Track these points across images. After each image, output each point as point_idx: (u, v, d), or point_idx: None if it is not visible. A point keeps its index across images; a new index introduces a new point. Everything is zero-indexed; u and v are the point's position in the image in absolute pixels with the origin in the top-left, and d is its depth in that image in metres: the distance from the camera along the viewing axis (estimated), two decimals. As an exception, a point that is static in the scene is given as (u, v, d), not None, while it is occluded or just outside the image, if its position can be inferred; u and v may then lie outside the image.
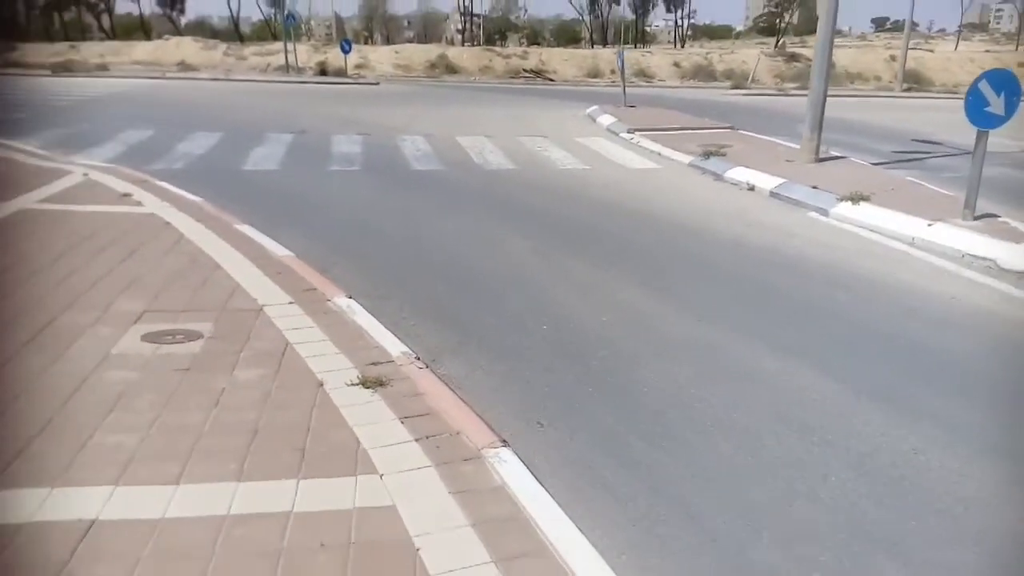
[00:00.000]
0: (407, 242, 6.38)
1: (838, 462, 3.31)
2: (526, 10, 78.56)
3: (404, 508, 2.79)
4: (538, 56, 34.86)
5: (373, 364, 3.93)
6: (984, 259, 6.01)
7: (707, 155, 10.03)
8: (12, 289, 4.74)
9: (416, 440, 3.26)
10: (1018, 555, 2.83)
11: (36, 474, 2.87)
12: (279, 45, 26.75)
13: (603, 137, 12.67)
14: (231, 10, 56.26)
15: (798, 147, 10.03)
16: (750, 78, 28.11)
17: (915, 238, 6.58)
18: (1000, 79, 6.29)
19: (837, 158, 10.00)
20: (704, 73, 34.08)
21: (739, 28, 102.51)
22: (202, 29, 57.45)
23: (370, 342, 4.24)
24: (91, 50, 28.44)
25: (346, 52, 24.07)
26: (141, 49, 29.98)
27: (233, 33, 50.80)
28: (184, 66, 24.77)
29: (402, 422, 3.40)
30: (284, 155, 10.15)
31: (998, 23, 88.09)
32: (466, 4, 61.59)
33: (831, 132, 13.53)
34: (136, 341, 4.09)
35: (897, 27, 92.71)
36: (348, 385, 3.71)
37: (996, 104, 6.31)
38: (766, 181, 8.57)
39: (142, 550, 2.49)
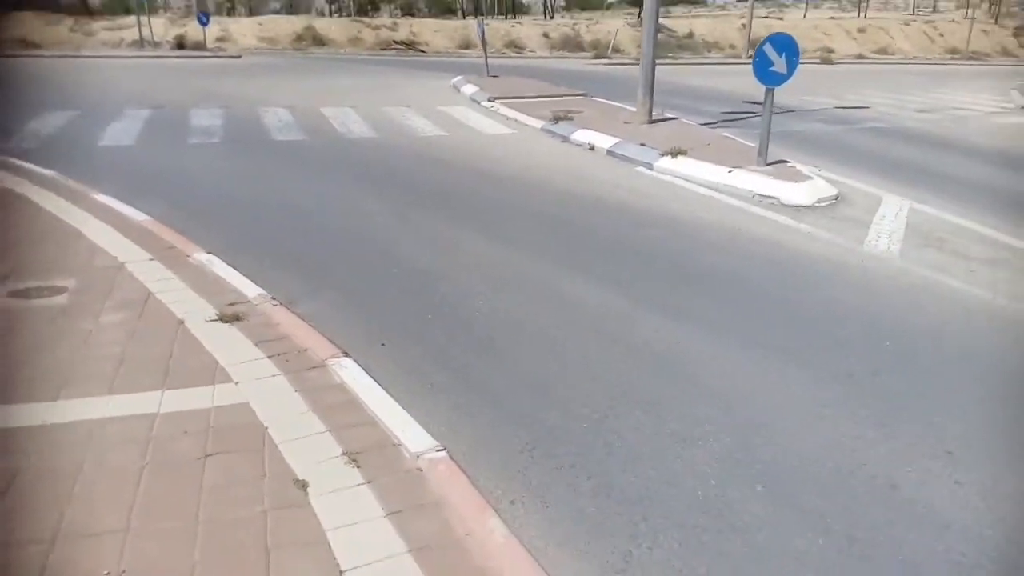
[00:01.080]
0: (266, 207, 6.87)
1: (619, 351, 4.23)
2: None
3: (256, 404, 3.45)
4: (409, 27, 34.91)
5: (231, 304, 4.50)
6: (769, 197, 7.20)
7: (556, 120, 10.93)
8: None
9: (268, 357, 3.90)
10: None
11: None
12: (132, 19, 25.65)
13: (465, 106, 13.36)
14: (75, -20, 52.47)
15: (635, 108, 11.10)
16: (610, 48, 29.48)
17: (718, 184, 7.71)
18: (782, 42, 7.45)
19: (669, 119, 11.15)
20: (572, 44, 35.22)
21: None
22: (44, 2, 53.31)
23: (228, 287, 4.80)
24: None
25: (204, 24, 23.49)
26: (-26, 24, 27.82)
27: (79, 6, 47.60)
28: (26, 43, 23.39)
29: (256, 345, 4.02)
30: (141, 130, 10.24)
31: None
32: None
33: (676, 97, 14.85)
34: (3, 298, 4.48)
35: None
36: (207, 321, 4.28)
37: (779, 64, 7.47)
38: (604, 141, 9.55)
39: (20, 449, 3.03)
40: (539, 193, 7.64)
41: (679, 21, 43.39)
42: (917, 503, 3.08)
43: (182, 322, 4.26)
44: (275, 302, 4.61)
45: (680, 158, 8.41)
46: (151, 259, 5.21)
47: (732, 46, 37.98)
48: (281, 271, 5.27)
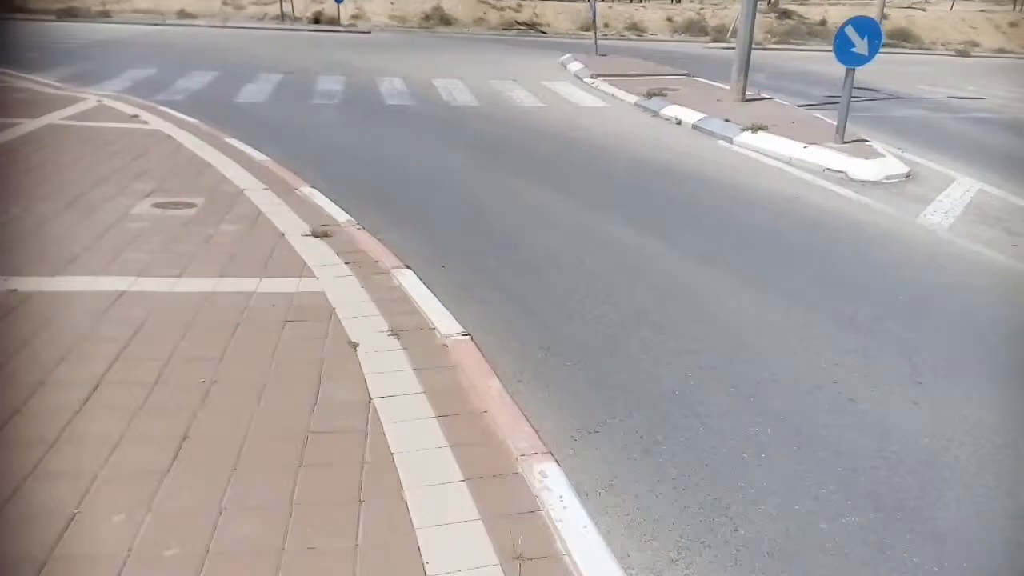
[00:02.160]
0: (366, 157, 7.82)
1: (644, 285, 4.83)
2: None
3: (329, 292, 4.31)
4: (532, 8, 35.65)
5: (323, 225, 5.42)
6: (838, 172, 7.46)
7: (650, 96, 11.38)
8: (49, 176, 6.23)
9: (345, 263, 4.77)
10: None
11: (82, 271, 4.40)
12: (277, -6, 27.79)
13: (568, 82, 13.97)
14: (230, -41, 56.67)
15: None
16: (729, 32, 29.05)
17: (792, 158, 8.01)
18: (864, 25, 7.64)
19: (763, 99, 11.34)
20: (695, 28, 34.90)
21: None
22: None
23: (323, 214, 5.73)
24: (91, -3, 29.39)
25: (339, 2, 25.16)
26: (141, -3, 30.95)
27: (232, -17, 51.46)
28: (183, 14, 25.88)
29: (337, 254, 4.91)
30: (272, 91, 11.52)
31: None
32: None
33: (787, 80, 14.86)
34: (148, 207, 5.60)
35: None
36: (302, 236, 5.21)
37: (861, 46, 7.67)
38: (691, 116, 9.95)
39: (155, 305, 4.02)
40: (613, 158, 8.20)
41: (814, 8, 41.87)
42: (870, 414, 3.54)
43: (283, 234, 5.21)
44: (359, 227, 5.49)
45: (760, 133, 8.73)
46: (265, 188, 6.23)
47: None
48: (370, 206, 6.14)
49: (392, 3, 35.63)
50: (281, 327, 3.86)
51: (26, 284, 4.14)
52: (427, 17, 33.14)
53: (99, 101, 9.53)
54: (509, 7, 37.17)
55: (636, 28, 34.28)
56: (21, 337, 3.57)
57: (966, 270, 5.34)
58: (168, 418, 3.01)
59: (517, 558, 2.40)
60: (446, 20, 33.27)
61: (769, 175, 7.68)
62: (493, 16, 34.63)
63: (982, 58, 26.92)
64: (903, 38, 34.85)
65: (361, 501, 2.62)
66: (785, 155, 8.13)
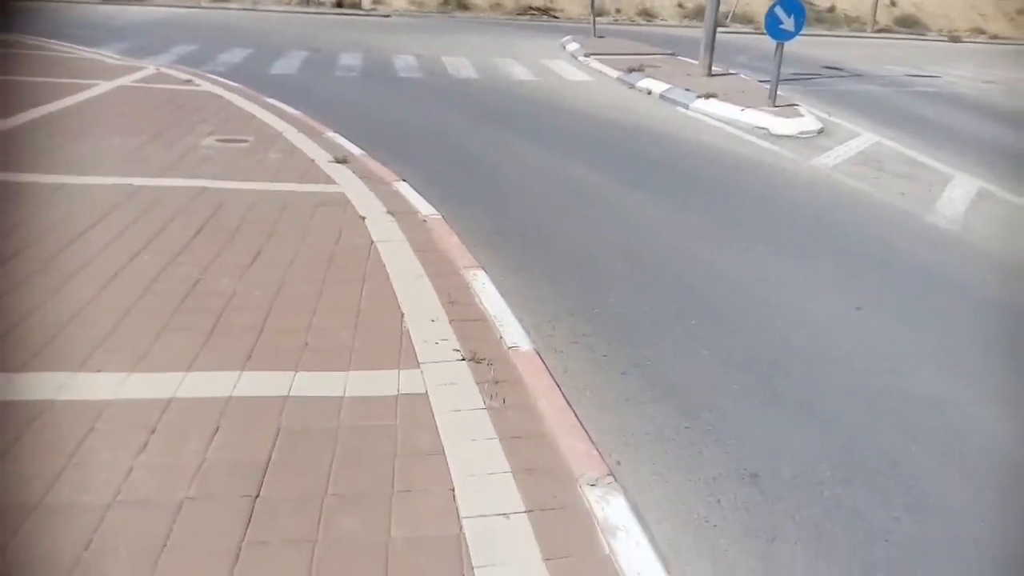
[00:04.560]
0: (379, 115, 9.73)
1: (598, 210, 6.69)
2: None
3: (346, 192, 6.22)
4: (547, -6, 37.28)
5: (343, 156, 7.33)
6: (762, 128, 9.26)
7: (630, 71, 13.18)
8: (133, 120, 8.19)
9: (359, 177, 6.67)
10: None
11: (175, 175, 6.35)
12: (301, -20, 29.80)
13: (564, 60, 15.78)
14: (255, -55, 59.00)
15: (717, 68, 13.11)
16: (728, 17, 30.55)
17: (731, 119, 9.81)
18: (790, 4, 9.39)
19: (729, 74, 13.09)
20: (702, 14, 36.37)
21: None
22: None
23: (343, 149, 7.64)
24: (128, -18, 31.47)
25: (362, -13, 27.08)
26: (173, -18, 33.09)
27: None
28: (214, -2, 27.95)
29: (353, 173, 6.81)
30: (300, 65, 13.47)
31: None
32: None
33: (765, 61, 16.49)
34: (212, 141, 7.55)
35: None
36: (327, 162, 7.12)
37: (788, 23, 9.43)
38: (660, 87, 11.76)
39: (228, 196, 5.95)
40: (584, 119, 10.04)
41: (826, -5, 43.08)
42: (708, 265, 5.38)
43: (313, 160, 7.13)
44: (371, 158, 7.40)
45: (711, 100, 10.52)
46: (298, 132, 8.16)
47: (877, 21, 37.64)
48: (380, 147, 8.00)
49: (412, -12, 37.47)
50: (314, 208, 5.77)
51: (138, 181, 6.09)
52: (445, 2, 34.95)
53: (157, 69, 11.54)
54: (525, -7, 38.88)
55: (647, 14, 35.86)
56: (136, 215, 5.51)
57: (830, 193, 7.15)
58: (250, 244, 4.93)
59: (452, 302, 4.29)
60: (463, 5, 35.06)
61: (708, 132, 9.49)
62: (509, 2, 36.36)
63: (974, 44, 28.25)
64: (910, 24, 36.14)
65: (364, 281, 4.52)
66: (727, 117, 9.93)
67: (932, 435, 3.59)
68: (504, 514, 2.68)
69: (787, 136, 9.08)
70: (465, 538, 2.55)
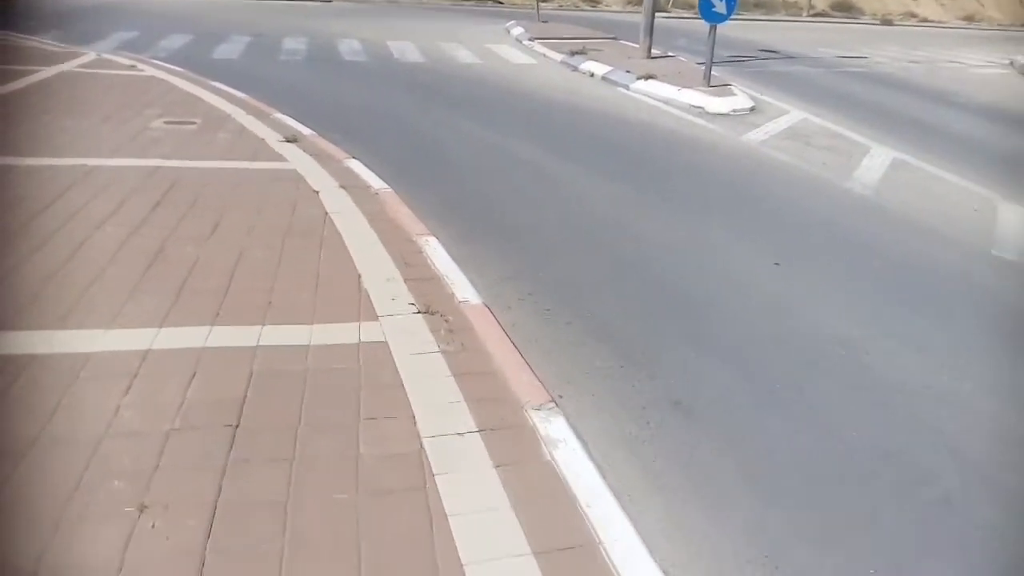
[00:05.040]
0: (326, 98, 9.96)
1: (536, 179, 7.09)
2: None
3: (299, 169, 6.50)
4: (490, -21, 37.44)
5: (292, 136, 7.58)
6: (697, 107, 9.79)
7: (573, 54, 13.61)
8: (80, 104, 8.29)
9: (309, 155, 6.95)
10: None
11: (126, 155, 6.54)
12: (239, -36, 29.43)
13: (508, 44, 16.12)
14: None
15: (657, 50, 13.62)
16: (670, 2, 31.26)
17: (669, 98, 10.33)
18: (722, -12, 9.93)
19: (668, 56, 13.64)
20: (648, -1, 36.87)
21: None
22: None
23: (293, 128, 7.88)
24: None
25: (302, -28, 26.93)
26: (104, -34, 32.28)
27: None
28: (148, -17, 27.41)
29: (303, 151, 7.08)
30: (243, 49, 13.55)
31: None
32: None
33: (703, 44, 17.16)
34: (161, 124, 7.72)
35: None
36: (277, 141, 7.37)
37: (720, 6, 9.97)
38: (601, 69, 12.22)
39: (181, 174, 6.18)
40: (528, 100, 10.44)
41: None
42: (631, 227, 5.84)
43: (263, 140, 7.37)
44: (320, 137, 7.66)
45: (650, 81, 11.02)
46: (247, 114, 8.37)
47: (812, 6, 38.85)
48: (328, 127, 8.25)
49: (354, -27, 37.18)
50: (268, 184, 6.05)
51: (92, 162, 6.27)
52: (388, -12, 34.83)
53: (98, 55, 11.53)
54: (469, -22, 38.95)
55: (592, 0, 36.41)
56: (94, 192, 5.71)
57: (756, 165, 7.71)
58: (208, 217, 5.20)
59: (406, 264, 4.65)
60: (407, -9, 34.99)
61: (646, 110, 9.99)
62: (453, -13, 36.41)
63: (904, 27, 29.50)
64: (845, 9, 37.41)
65: (321, 248, 4.85)
66: (664, 96, 10.45)
67: (835, 368, 4.10)
68: (459, 433, 3.07)
69: (721, 114, 9.64)
70: (426, 452, 2.94)
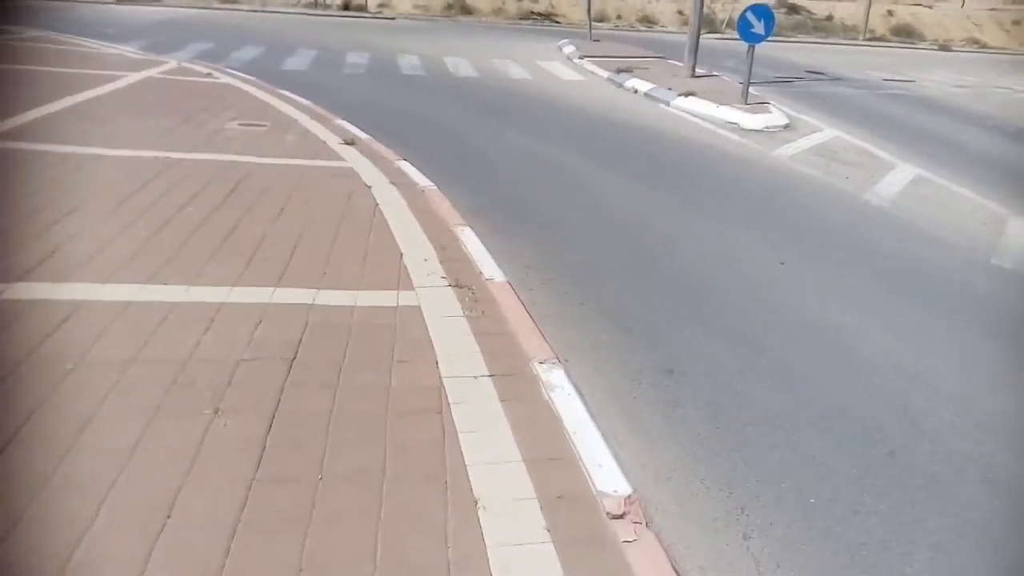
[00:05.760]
0: (384, 106, 10.78)
1: (568, 185, 7.73)
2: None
3: (355, 167, 7.26)
4: (548, 0, 38.50)
5: (351, 139, 8.38)
6: (733, 123, 10.30)
7: (619, 72, 14.24)
8: (162, 107, 9.25)
9: (364, 156, 7.72)
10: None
11: (206, 151, 7.40)
12: (308, -18, 30.96)
13: (559, 62, 16.85)
14: (262, -53, 60.48)
15: (701, 70, 14.17)
16: (724, 24, 31.63)
17: (706, 115, 10.86)
18: (760, 11, 10.45)
19: (712, 75, 14.15)
20: (705, 22, 37.39)
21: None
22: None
23: (351, 133, 8.69)
24: (139, -18, 32.66)
25: (367, -10, 28.23)
26: (183, -17, 34.31)
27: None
28: (223, 0, 29.11)
29: (359, 153, 7.86)
30: (310, 62, 14.55)
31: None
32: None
33: (757, 66, 17.60)
34: (235, 125, 8.60)
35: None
36: (338, 143, 8.17)
37: (758, 27, 10.49)
38: (645, 87, 12.82)
39: (252, 168, 6.99)
40: (576, 114, 11.09)
41: (822, 4, 44.37)
42: (651, 219, 6.41)
43: (324, 142, 8.18)
44: (376, 141, 8.44)
45: (690, 98, 11.58)
46: (311, 119, 9.22)
47: (872, 30, 38.79)
48: (384, 133, 9.05)
49: (417, -8, 38.65)
50: (327, 179, 6.82)
51: (175, 155, 7.13)
52: (449, 6, 36.11)
53: (178, 63, 12.62)
54: (528, -2, 40.06)
55: (647, 20, 37.03)
56: (177, 181, 6.55)
57: (782, 178, 8.20)
58: (275, 203, 5.96)
59: (442, 248, 5.31)
60: (467, 10, 36.21)
61: (685, 125, 10.54)
62: (512, 6, 37.54)
63: (963, 52, 29.29)
64: (907, 34, 37.27)
65: (370, 232, 5.55)
66: (702, 113, 10.99)
67: (822, 348, 4.60)
68: (474, 376, 3.70)
69: (755, 130, 10.13)
70: (444, 388, 3.58)
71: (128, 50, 14.13)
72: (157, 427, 3.13)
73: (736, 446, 3.59)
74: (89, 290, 4.26)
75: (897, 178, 8.33)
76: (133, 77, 10.94)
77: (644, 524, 2.83)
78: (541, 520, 2.78)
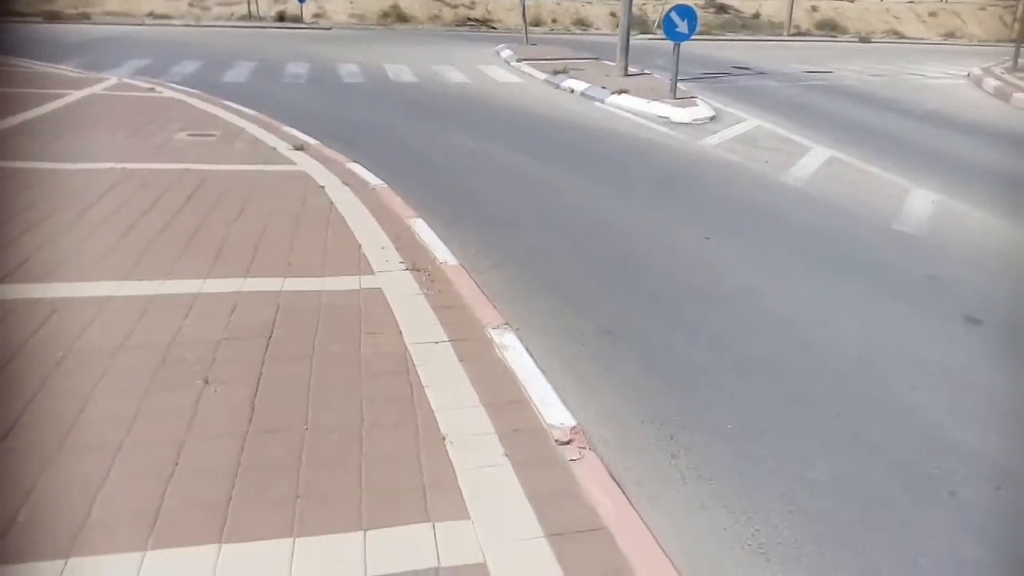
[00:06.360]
0: (328, 113, 11.16)
1: (516, 178, 8.24)
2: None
3: (306, 170, 7.65)
4: (485, 6, 39.12)
5: (301, 144, 8.75)
6: (664, 117, 10.98)
7: (555, 73, 14.86)
8: (109, 122, 9.48)
9: (316, 160, 8.11)
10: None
11: (159, 160, 7.70)
12: (241, -5, 30.94)
13: (497, 65, 17.41)
14: (190, -39, 59.77)
15: (634, 68, 14.87)
16: (656, 24, 32.67)
17: (638, 110, 11.53)
18: (683, 11, 11.16)
19: (643, 74, 14.88)
20: (637, 23, 38.47)
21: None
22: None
23: (300, 139, 9.06)
24: (65, 1, 32.20)
25: (302, 2, 28.40)
26: (111, 0, 33.93)
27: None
28: (154, 15, 28.91)
29: (311, 157, 8.25)
30: (250, 74, 14.81)
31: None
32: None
33: (685, 64, 18.42)
34: (184, 136, 8.90)
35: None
36: (287, 149, 8.54)
37: (682, 26, 11.19)
38: (580, 86, 13.45)
39: (207, 175, 7.34)
40: (514, 114, 11.64)
41: (752, 3, 46.08)
42: (575, 199, 6.97)
43: (274, 148, 8.54)
44: (325, 146, 8.84)
45: (623, 95, 12.24)
46: (258, 127, 9.56)
47: (797, 26, 40.39)
48: (331, 139, 9.44)
49: (351, 2, 38.89)
50: (282, 181, 7.20)
51: (130, 166, 7.41)
52: (385, 15, 36.45)
53: (119, 80, 12.77)
54: (463, 4, 40.61)
55: (582, 23, 37.99)
56: (135, 188, 6.86)
57: (707, 164, 8.87)
58: (233, 205, 6.34)
59: (398, 238, 5.76)
60: (403, 18, 36.60)
61: (616, 120, 11.18)
62: (448, 13, 38.06)
63: (882, 44, 30.89)
64: (831, 28, 38.99)
65: (327, 228, 5.97)
66: (635, 108, 11.66)
67: (737, 306, 5.20)
68: (435, 342, 4.18)
69: (683, 123, 10.82)
70: (409, 352, 4.04)
71: (66, 69, 14.18)
72: (154, 398, 3.53)
73: (666, 390, 4.13)
74: (69, 288, 4.61)
75: (812, 160, 9.08)
76: (77, 94, 11.10)
77: (587, 448, 3.35)
78: (500, 448, 3.27)
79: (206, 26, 25.92)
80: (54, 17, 24.91)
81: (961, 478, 3.48)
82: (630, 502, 3.06)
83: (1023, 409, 4.13)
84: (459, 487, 3.02)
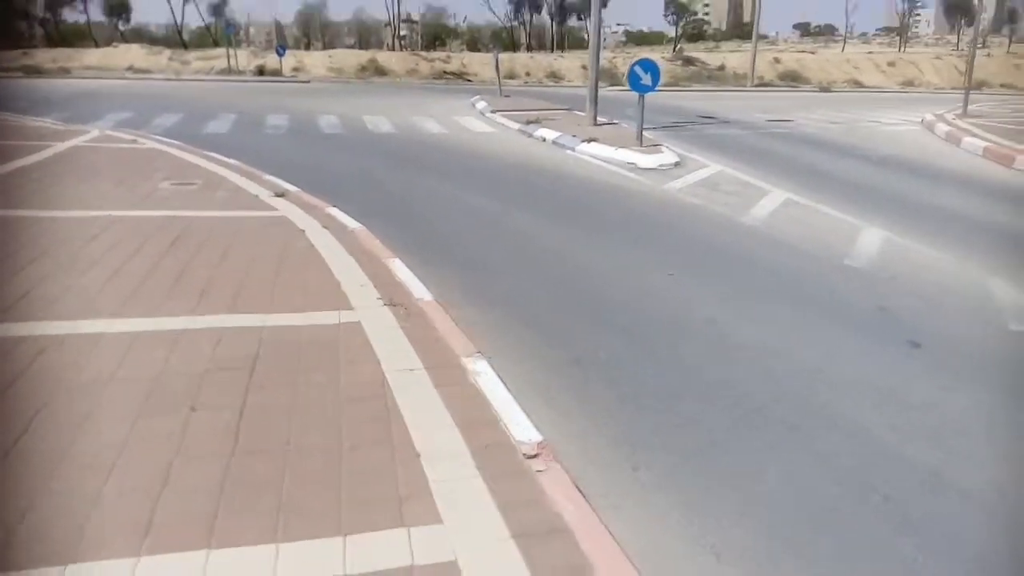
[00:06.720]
0: (308, 163, 11.51)
1: (484, 223, 8.58)
2: (465, 17, 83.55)
3: (287, 215, 7.93)
4: (460, 60, 40.18)
5: (282, 191, 9.05)
6: (630, 163, 11.44)
7: (528, 123, 15.39)
8: (95, 172, 9.73)
9: (297, 207, 8.39)
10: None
11: (144, 208, 7.94)
12: (221, 50, 31.63)
13: (472, 116, 17.96)
14: (175, 19, 60.92)
15: (603, 118, 15.44)
16: (624, 76, 33.69)
17: (607, 157, 12.00)
18: (646, 65, 11.73)
19: (612, 123, 15.47)
20: (607, 75, 39.63)
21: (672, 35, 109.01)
22: (141, 36, 61.43)
23: (281, 187, 9.36)
24: (44, 56, 32.68)
25: (281, 55, 29.09)
26: (91, 55, 34.45)
27: (174, 40, 55.26)
28: (134, 70, 29.42)
29: (292, 204, 8.53)
30: (231, 125, 15.19)
31: (916, 27, 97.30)
32: (398, 11, 66.22)
33: (653, 113, 19.06)
34: (168, 185, 9.17)
35: (819, 31, 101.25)
36: (269, 196, 8.83)
37: (646, 79, 11.74)
38: (552, 135, 13.96)
39: (192, 222, 7.59)
40: (488, 162, 12.07)
41: (717, 56, 47.68)
42: (552, 240, 7.30)
43: (256, 196, 8.83)
44: (305, 193, 9.14)
45: (592, 144, 12.73)
46: (240, 176, 9.86)
47: (761, 77, 41.86)
48: (311, 187, 9.75)
49: (330, 56, 39.74)
50: (264, 226, 7.47)
51: (116, 213, 7.65)
52: (363, 68, 37.28)
53: (101, 132, 13.07)
54: (439, 58, 41.67)
55: (555, 76, 39.09)
56: (123, 234, 7.08)
57: (670, 207, 9.28)
58: (217, 249, 6.58)
59: (375, 276, 6.03)
60: (381, 71, 37.47)
61: (586, 167, 11.63)
62: (424, 67, 39.03)
63: (842, 93, 32.08)
64: (793, 78, 40.38)
65: (308, 268, 6.22)
66: (603, 156, 12.14)
67: (701, 337, 5.50)
68: (411, 369, 4.42)
69: (649, 168, 11.29)
70: (386, 379, 4.28)
71: (48, 122, 14.47)
72: (144, 423, 3.72)
73: (633, 414, 4.39)
74: (60, 326, 4.80)
75: (769, 202, 9.53)
76: (60, 146, 11.37)
77: (554, 460, 3.59)
78: (472, 463, 3.50)
79: (186, 80, 26.43)
80: (34, 71, 25.30)
81: (896, 485, 3.76)
82: (593, 509, 3.29)
83: (958, 423, 4.43)
84: (432, 497, 3.24)
